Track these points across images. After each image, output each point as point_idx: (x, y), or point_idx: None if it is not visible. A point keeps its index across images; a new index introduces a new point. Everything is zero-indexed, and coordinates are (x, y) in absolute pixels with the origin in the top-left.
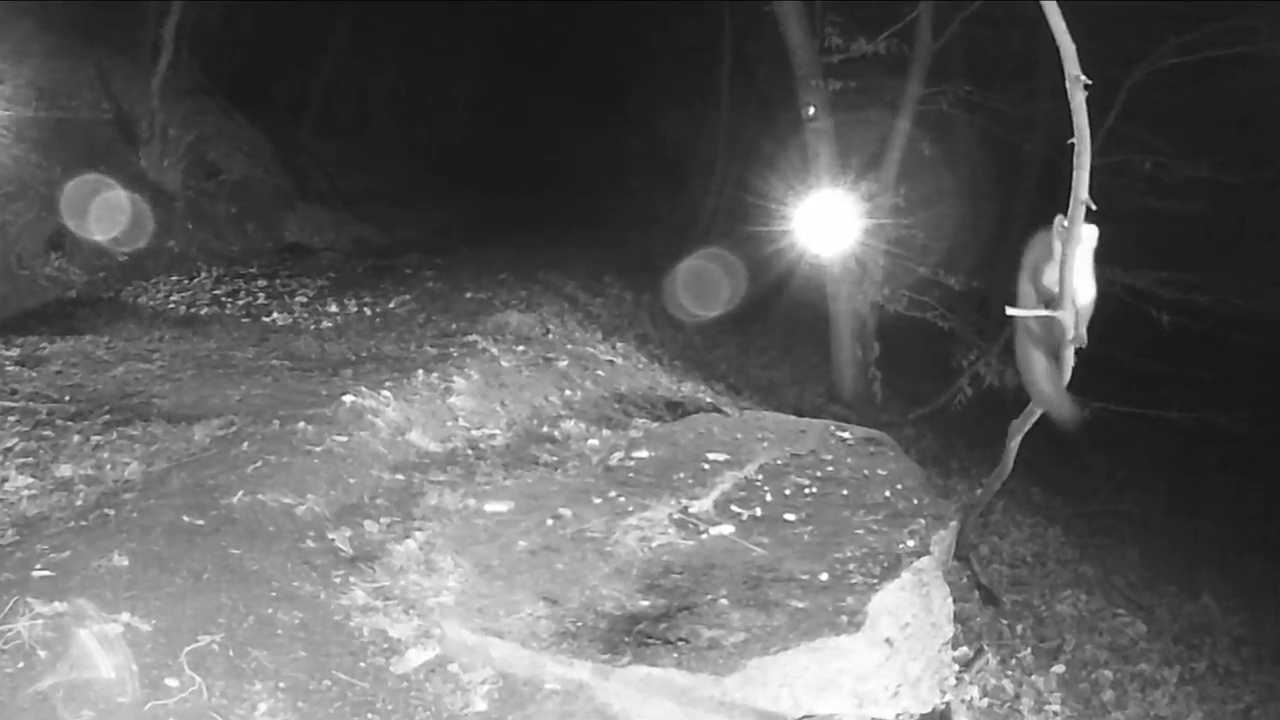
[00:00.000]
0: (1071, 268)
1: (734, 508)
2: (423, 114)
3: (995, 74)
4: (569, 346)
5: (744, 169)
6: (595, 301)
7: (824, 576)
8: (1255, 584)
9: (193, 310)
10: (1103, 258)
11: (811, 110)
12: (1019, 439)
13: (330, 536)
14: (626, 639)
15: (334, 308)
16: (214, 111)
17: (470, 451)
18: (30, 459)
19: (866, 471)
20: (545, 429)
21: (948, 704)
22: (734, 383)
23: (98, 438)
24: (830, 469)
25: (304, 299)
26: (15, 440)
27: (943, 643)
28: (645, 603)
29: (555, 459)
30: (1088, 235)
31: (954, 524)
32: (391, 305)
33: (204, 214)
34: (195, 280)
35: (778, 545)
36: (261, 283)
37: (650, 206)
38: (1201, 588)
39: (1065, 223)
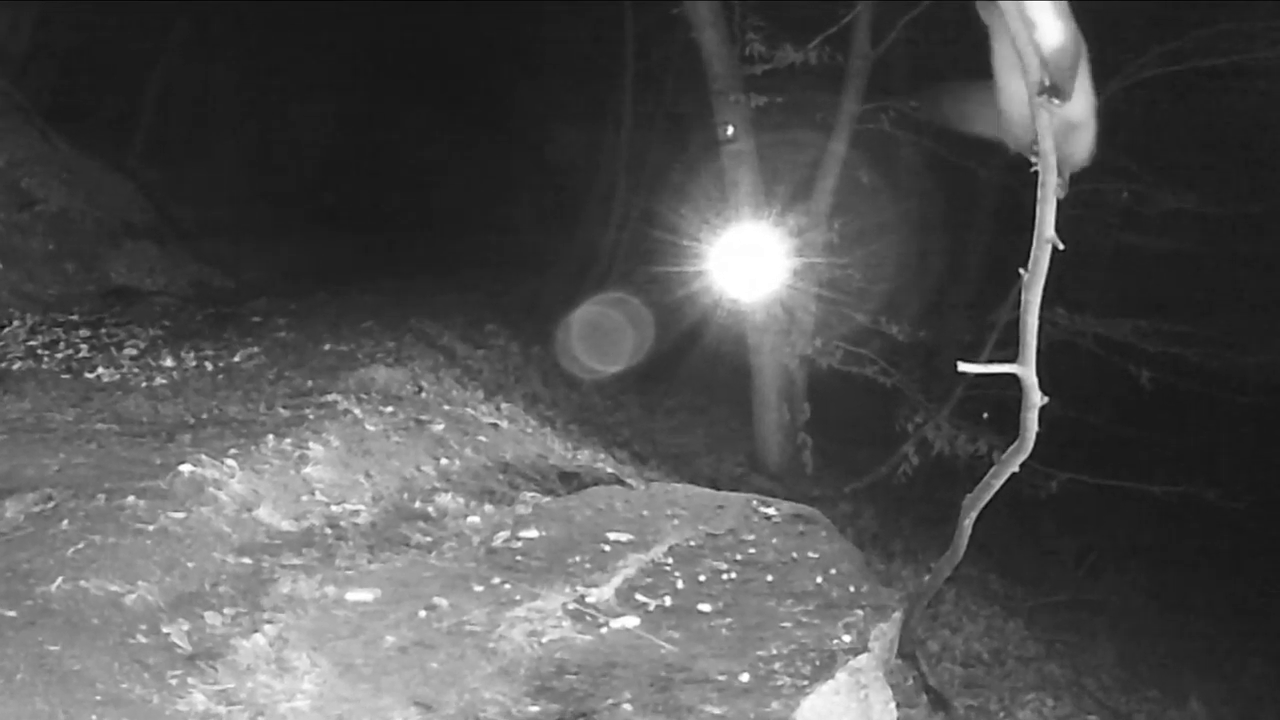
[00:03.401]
0: (1035, 314)
1: (639, 597)
2: (272, 135)
3: (945, 87)
4: (445, 407)
5: (650, 199)
6: (476, 354)
7: (745, 677)
8: (1252, 688)
9: (3, 365)
10: (1073, 304)
11: (730, 130)
12: (974, 516)
13: (165, 630)
14: None
15: (169, 362)
16: (27, 132)
17: (329, 530)
18: None
19: (795, 554)
20: (417, 504)
21: None
22: (639, 450)
23: None
24: (752, 551)
25: (134, 351)
26: None
27: None
28: (535, 708)
29: (429, 539)
30: None
31: (897, 616)
32: (236, 359)
33: (16, 251)
34: (6, 330)
35: (690, 641)
36: (84, 332)
37: (540, 243)
38: (1188, 692)
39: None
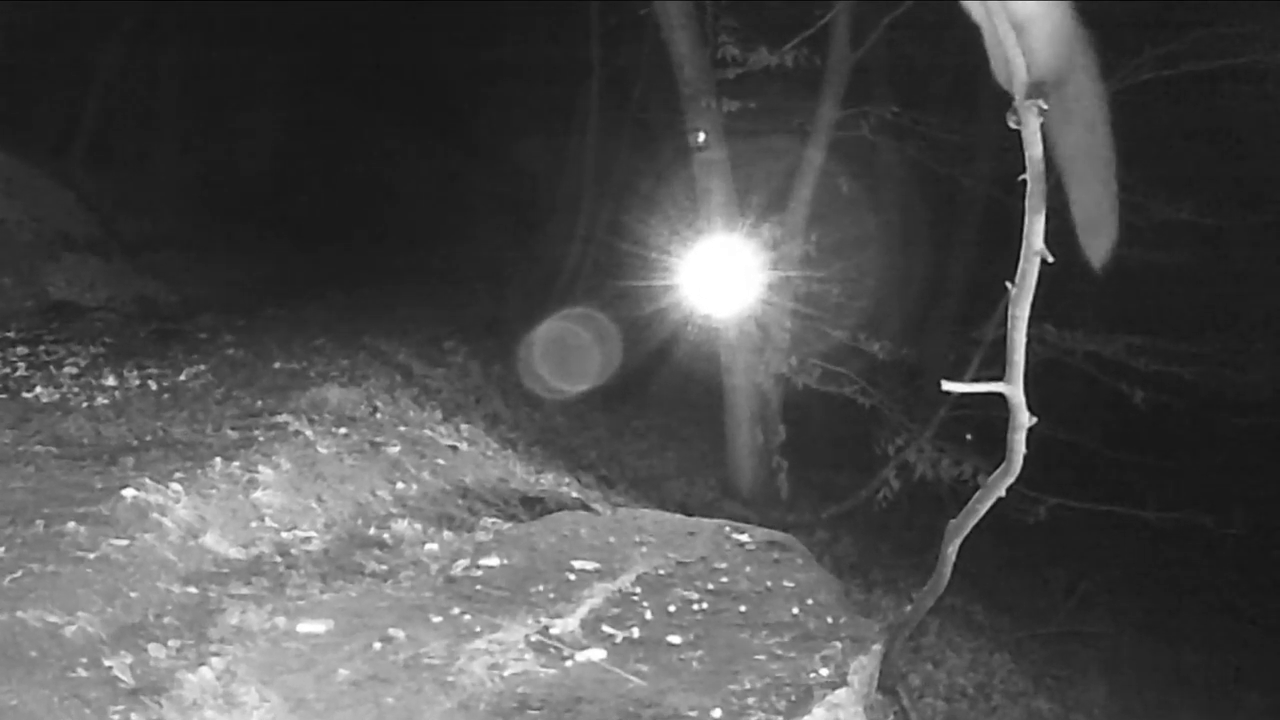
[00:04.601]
0: (1023, 331)
1: (606, 628)
2: (221, 142)
3: (929, 92)
4: (401, 429)
5: (617, 209)
6: (434, 373)
7: (717, 713)
8: None
9: None
10: (1062, 320)
11: (701, 137)
12: (958, 543)
13: (106, 663)
14: None
15: (111, 381)
16: None
17: (280, 558)
18: None
19: (769, 583)
20: (372, 531)
21: None
22: (606, 474)
23: None
24: (724, 581)
25: (74, 370)
26: None
27: None
28: None
29: (385, 568)
30: None
31: (877, 648)
32: (182, 378)
33: None
34: None
35: (660, 674)
36: (21, 350)
37: (501, 255)
38: None
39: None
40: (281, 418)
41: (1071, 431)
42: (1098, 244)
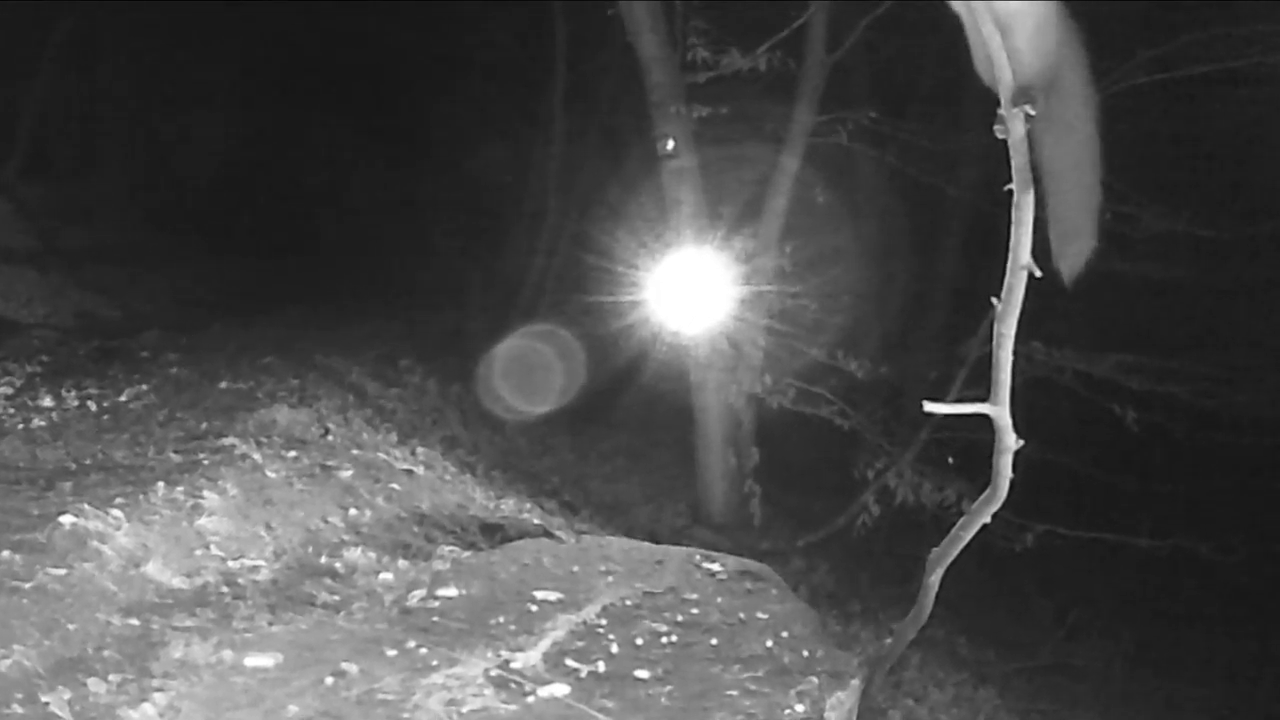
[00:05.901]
0: (1009, 349)
1: (569, 662)
2: (164, 150)
3: (910, 97)
4: (354, 452)
5: (583, 220)
6: (389, 393)
7: None
8: None
9: None
10: (1051, 337)
11: (670, 144)
12: (940, 572)
13: (44, 699)
14: None
15: (48, 401)
16: None
17: (226, 589)
18: None
19: (742, 615)
20: (324, 559)
21: None
22: (570, 499)
23: None
24: (695, 612)
25: (9, 390)
26: None
27: None
28: None
29: (337, 598)
30: None
31: (856, 683)
32: (123, 398)
33: None
34: None
35: (626, 711)
36: None
37: (460, 269)
38: None
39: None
40: (228, 440)
41: (1060, 454)
42: (1072, 254)
